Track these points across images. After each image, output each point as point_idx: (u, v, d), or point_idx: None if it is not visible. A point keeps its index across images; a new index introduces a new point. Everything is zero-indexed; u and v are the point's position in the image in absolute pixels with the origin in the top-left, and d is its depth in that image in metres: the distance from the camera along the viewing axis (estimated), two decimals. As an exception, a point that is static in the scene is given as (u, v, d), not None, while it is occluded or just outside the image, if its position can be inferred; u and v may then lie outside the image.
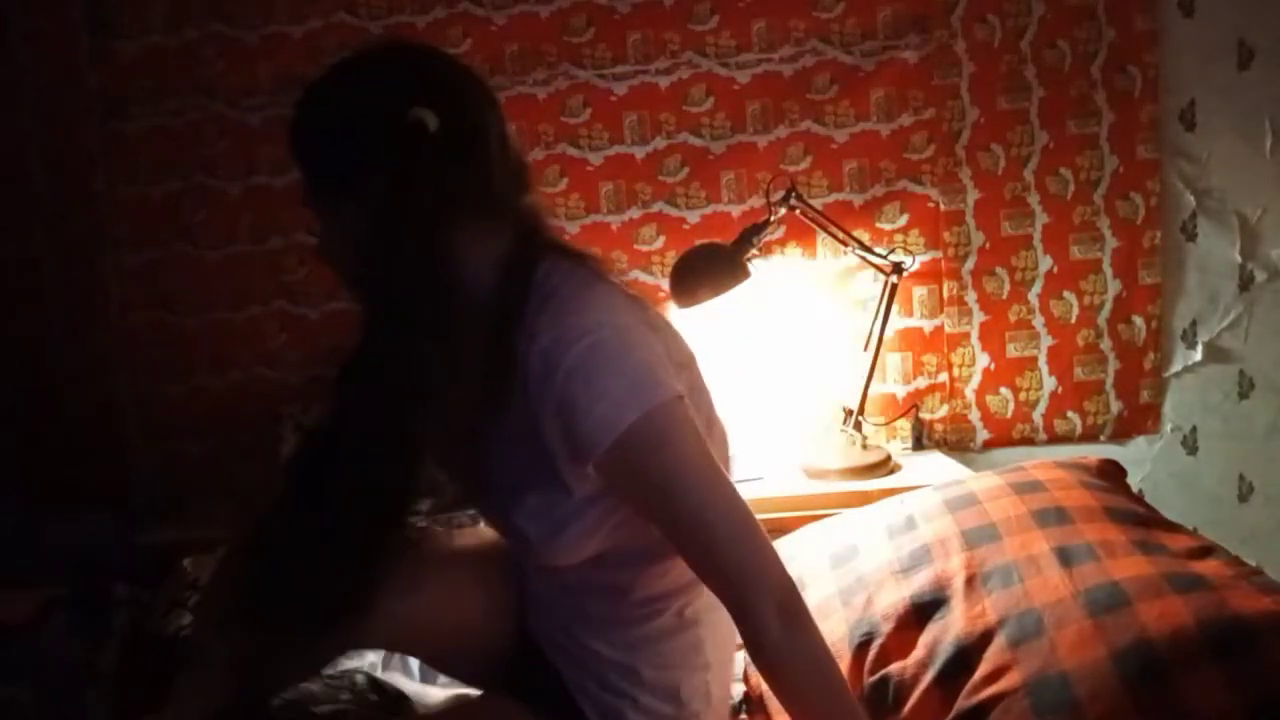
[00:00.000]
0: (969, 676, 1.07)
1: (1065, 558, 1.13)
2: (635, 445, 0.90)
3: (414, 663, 1.44)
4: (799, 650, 0.93)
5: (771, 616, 0.91)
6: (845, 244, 2.01)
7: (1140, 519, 1.25)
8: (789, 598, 0.93)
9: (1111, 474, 1.39)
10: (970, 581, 1.17)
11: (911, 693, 1.11)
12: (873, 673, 1.17)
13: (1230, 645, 0.96)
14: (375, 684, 1.31)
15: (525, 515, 0.97)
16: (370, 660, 1.39)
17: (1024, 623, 1.07)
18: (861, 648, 1.20)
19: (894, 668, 1.15)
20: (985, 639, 1.09)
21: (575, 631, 1.09)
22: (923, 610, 1.18)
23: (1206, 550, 1.16)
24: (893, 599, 1.22)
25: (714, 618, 1.07)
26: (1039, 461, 1.44)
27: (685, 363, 1.02)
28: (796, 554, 1.39)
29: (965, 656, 1.09)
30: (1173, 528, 1.25)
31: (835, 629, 1.23)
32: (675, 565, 1.01)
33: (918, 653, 1.14)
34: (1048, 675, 1.00)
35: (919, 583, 1.21)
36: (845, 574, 1.31)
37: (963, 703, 1.05)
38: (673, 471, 0.92)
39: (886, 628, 1.19)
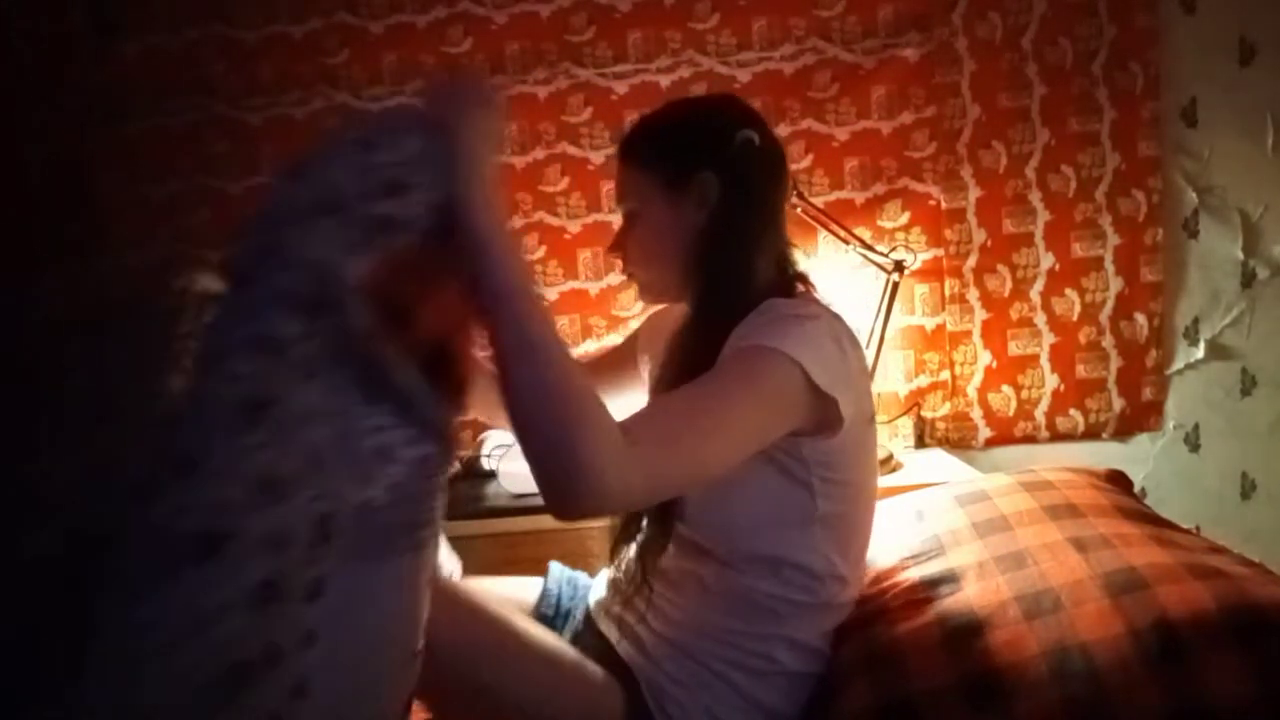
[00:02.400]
0: (980, 644, 1.06)
1: (1081, 545, 1.13)
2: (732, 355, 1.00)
3: None
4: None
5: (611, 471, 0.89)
6: (847, 242, 2.01)
7: (1151, 519, 1.25)
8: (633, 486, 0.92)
9: (1120, 482, 1.39)
10: (983, 565, 1.16)
11: (917, 650, 1.10)
12: (878, 637, 1.16)
13: (1252, 632, 0.95)
14: None
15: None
16: None
17: (1040, 600, 1.07)
18: (868, 622, 1.19)
19: (900, 629, 1.14)
20: (1000, 611, 1.08)
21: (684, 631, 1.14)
22: (933, 586, 1.17)
23: (1218, 550, 1.16)
24: (902, 582, 1.21)
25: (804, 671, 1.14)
26: (1047, 466, 1.44)
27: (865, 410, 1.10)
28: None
29: (977, 625, 1.08)
30: (1183, 530, 1.25)
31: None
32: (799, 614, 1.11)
33: (925, 618, 1.13)
34: (1066, 646, 1.00)
35: (930, 567, 1.21)
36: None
37: (973, 665, 1.04)
38: (721, 379, 0.98)
39: (895, 604, 1.19)
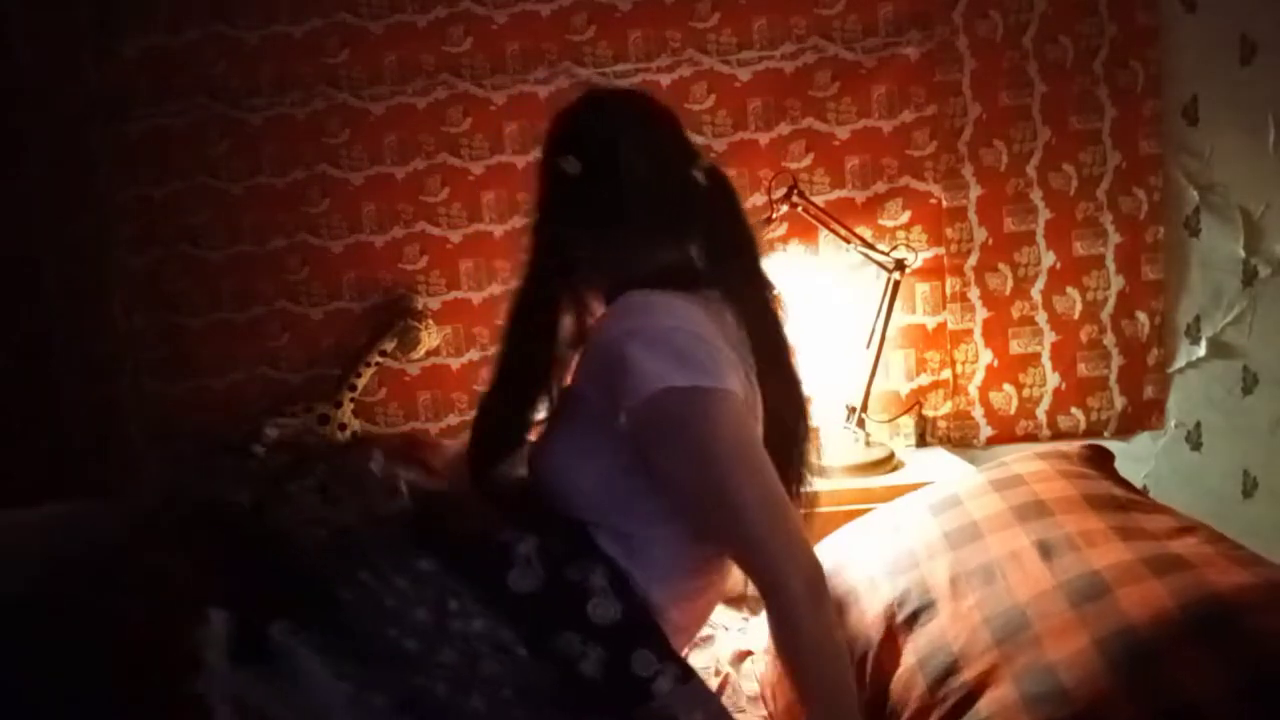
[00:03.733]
0: (958, 677, 1.08)
1: (1045, 550, 1.16)
2: (671, 409, 1.04)
3: None
4: (824, 629, 1.01)
5: (802, 592, 1.00)
6: (847, 241, 2.01)
7: (1119, 504, 1.25)
8: (817, 577, 1.02)
9: (1094, 459, 1.39)
10: (954, 582, 1.19)
11: (906, 701, 1.12)
12: (868, 684, 1.18)
13: (1212, 625, 0.96)
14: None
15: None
16: None
17: (1009, 619, 1.09)
18: (859, 662, 1.21)
19: (889, 679, 1.16)
20: (972, 639, 1.10)
21: None
22: (911, 617, 1.19)
23: (1187, 530, 1.17)
24: (880, 609, 1.23)
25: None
26: (1020, 454, 1.44)
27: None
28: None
29: (953, 660, 1.10)
30: (1153, 509, 1.26)
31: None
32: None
33: (907, 659, 1.16)
34: (1035, 667, 1.02)
35: (905, 588, 1.23)
36: (837, 586, 1.33)
37: (953, 698, 1.06)
38: (708, 446, 1.04)
39: (877, 638, 1.20)
